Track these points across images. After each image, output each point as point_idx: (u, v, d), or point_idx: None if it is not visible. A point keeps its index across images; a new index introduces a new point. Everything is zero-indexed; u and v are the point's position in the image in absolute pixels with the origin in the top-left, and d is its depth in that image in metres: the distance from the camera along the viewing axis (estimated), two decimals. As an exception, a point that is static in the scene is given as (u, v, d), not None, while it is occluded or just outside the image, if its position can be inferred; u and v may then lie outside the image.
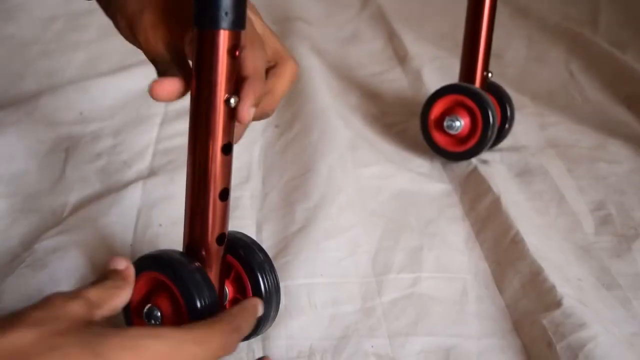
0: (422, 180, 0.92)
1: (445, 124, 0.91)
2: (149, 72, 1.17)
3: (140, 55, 1.33)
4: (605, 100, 1.18)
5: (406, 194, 0.88)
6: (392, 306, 0.68)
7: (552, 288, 0.67)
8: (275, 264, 0.72)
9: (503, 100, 0.96)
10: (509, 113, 0.96)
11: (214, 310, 0.52)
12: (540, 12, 1.55)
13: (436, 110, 0.93)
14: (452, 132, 0.91)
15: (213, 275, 0.55)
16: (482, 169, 0.91)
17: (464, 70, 0.94)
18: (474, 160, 0.93)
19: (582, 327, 0.62)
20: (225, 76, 0.50)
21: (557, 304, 0.65)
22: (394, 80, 1.23)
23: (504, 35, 1.39)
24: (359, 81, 1.23)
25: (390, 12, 1.53)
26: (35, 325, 0.42)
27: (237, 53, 0.50)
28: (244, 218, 0.81)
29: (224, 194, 0.53)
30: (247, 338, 0.59)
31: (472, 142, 0.91)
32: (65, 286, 0.66)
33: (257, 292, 0.57)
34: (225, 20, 0.48)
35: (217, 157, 0.52)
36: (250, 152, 0.95)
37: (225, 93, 0.50)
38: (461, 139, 0.92)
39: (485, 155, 0.96)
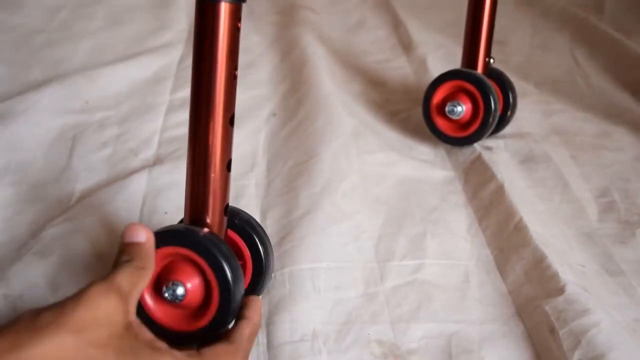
0: (426, 167, 0.92)
1: (447, 109, 0.92)
2: (155, 60, 1.18)
3: (145, 43, 1.34)
4: (610, 86, 1.18)
5: (409, 181, 0.89)
6: (394, 292, 0.69)
7: (555, 274, 0.68)
8: (280, 250, 0.73)
9: (505, 86, 0.96)
10: (511, 99, 0.96)
11: (240, 275, 0.54)
12: (545, -1, 1.54)
13: (438, 95, 0.94)
14: (453, 117, 0.92)
15: None
16: (486, 156, 0.91)
17: (466, 56, 0.95)
18: (477, 147, 0.94)
19: (585, 313, 0.62)
20: (227, 50, 0.50)
21: (560, 290, 0.65)
22: (398, 68, 1.23)
23: (509, 22, 1.39)
24: (363, 69, 1.23)
25: (395, -1, 1.53)
26: (77, 331, 0.42)
27: (239, 25, 0.50)
28: (249, 206, 0.81)
29: (229, 164, 0.55)
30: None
31: (474, 128, 0.91)
32: (72, 272, 0.67)
33: (257, 257, 0.60)
34: None
35: (227, 129, 0.53)
36: (255, 140, 0.96)
37: (227, 66, 0.51)
38: (463, 125, 0.93)
39: (489, 142, 0.96)
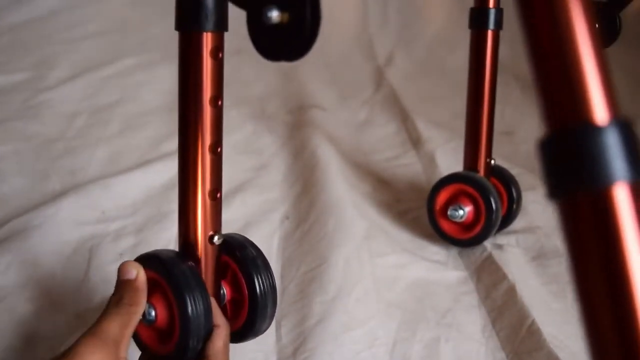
0: (438, 268, 0.93)
1: (448, 213, 0.93)
2: (169, 165, 1.20)
3: (160, 148, 1.35)
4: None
5: (422, 283, 0.89)
6: (410, 402, 0.69)
7: (570, 379, 0.68)
8: (294, 362, 0.73)
9: (508, 182, 0.98)
10: (514, 194, 0.98)
11: (205, 307, 0.53)
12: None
13: (441, 199, 0.96)
14: (456, 220, 0.93)
15: (207, 274, 0.56)
16: (497, 255, 0.92)
17: (468, 158, 0.97)
18: (489, 245, 0.94)
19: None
20: (210, 77, 0.52)
21: (575, 395, 0.65)
22: (407, 165, 1.25)
23: (516, 111, 1.41)
24: (373, 167, 1.25)
25: (402, 93, 1.56)
26: None
27: (220, 55, 0.53)
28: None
29: (214, 193, 0.55)
30: (242, 339, 0.59)
31: (478, 229, 0.92)
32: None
33: (252, 292, 0.58)
34: (207, 23, 0.51)
35: (205, 156, 0.54)
36: (269, 245, 0.97)
37: (211, 94, 0.53)
38: (467, 226, 0.94)
39: (500, 238, 0.97)
